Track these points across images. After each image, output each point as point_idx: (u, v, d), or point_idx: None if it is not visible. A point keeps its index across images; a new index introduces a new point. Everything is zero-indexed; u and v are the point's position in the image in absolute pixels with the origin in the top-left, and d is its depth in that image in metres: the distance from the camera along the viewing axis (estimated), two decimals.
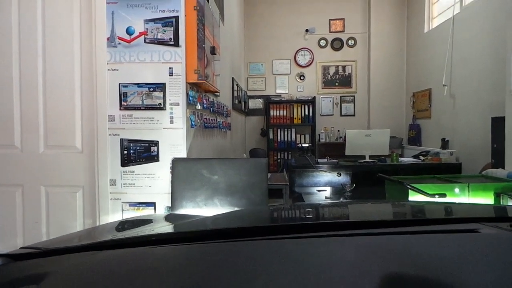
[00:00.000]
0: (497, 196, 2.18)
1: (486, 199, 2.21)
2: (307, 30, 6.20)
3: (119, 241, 0.83)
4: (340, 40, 6.24)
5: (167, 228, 1.01)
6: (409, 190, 2.35)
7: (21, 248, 0.75)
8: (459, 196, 2.32)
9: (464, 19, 4.25)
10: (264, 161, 1.95)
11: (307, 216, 1.06)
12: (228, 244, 0.67)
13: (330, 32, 6.26)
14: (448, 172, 3.49)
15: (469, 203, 1.77)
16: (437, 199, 2.20)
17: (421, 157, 4.37)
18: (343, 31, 6.24)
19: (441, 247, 0.63)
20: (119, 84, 1.92)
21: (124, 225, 1.15)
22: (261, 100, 6.30)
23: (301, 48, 6.27)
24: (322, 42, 6.25)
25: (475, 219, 0.85)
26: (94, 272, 0.60)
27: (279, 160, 6.09)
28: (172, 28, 1.90)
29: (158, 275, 0.55)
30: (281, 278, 0.51)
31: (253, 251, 0.64)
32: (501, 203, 2.15)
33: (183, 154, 1.93)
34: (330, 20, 6.24)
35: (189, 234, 0.80)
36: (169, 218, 1.29)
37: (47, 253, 0.70)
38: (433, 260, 0.56)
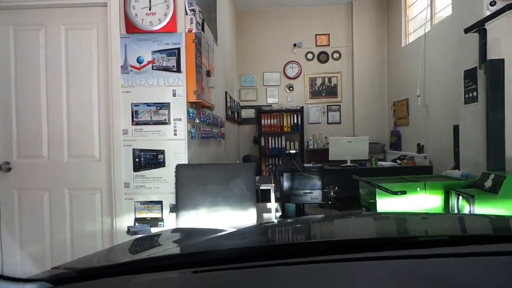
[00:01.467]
0: (447, 192, 2.60)
1: (437, 196, 2.64)
2: (295, 44, 6.66)
3: (150, 261, 0.82)
4: (326, 53, 6.71)
5: (195, 247, 0.98)
6: (377, 189, 2.78)
7: (52, 268, 0.75)
8: (418, 193, 2.75)
9: (434, 36, 4.73)
10: (252, 165, 2.37)
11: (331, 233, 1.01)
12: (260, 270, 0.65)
13: (316, 46, 6.73)
14: (421, 173, 3.93)
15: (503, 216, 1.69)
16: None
17: (398, 161, 4.81)
18: (329, 45, 6.71)
19: (486, 273, 0.57)
20: (131, 103, 2.33)
21: (148, 241, 1.14)
22: (253, 110, 6.73)
23: (289, 61, 6.73)
24: (309, 56, 6.71)
25: None
26: None
27: (270, 166, 6.51)
28: (175, 58, 2.32)
29: None
30: None
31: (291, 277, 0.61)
32: (450, 199, 2.58)
33: (185, 161, 2.34)
34: (316, 35, 6.72)
35: (223, 253, 0.79)
36: (190, 234, 1.30)
37: (82, 276, 0.70)
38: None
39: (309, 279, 0.59)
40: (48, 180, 2.44)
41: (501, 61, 2.44)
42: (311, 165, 4.67)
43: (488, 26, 2.55)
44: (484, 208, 2.29)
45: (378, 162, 4.81)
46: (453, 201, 2.54)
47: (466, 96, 2.98)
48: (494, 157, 2.48)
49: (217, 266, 0.66)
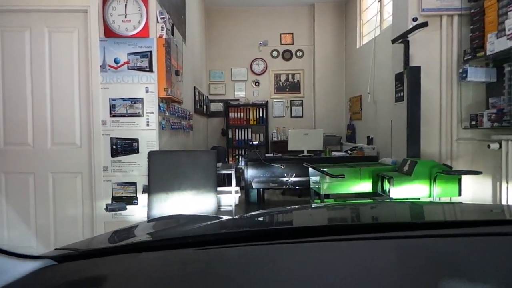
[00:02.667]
0: (377, 175, 3.15)
1: (367, 179, 3.18)
2: (261, 43, 7.10)
3: (151, 243, 0.86)
4: (290, 51, 7.20)
5: (191, 230, 1.01)
6: (320, 173, 3.29)
7: (55, 249, 0.76)
8: (355, 178, 3.28)
9: (382, 40, 5.31)
10: (214, 152, 2.81)
11: (327, 218, 1.07)
12: (250, 247, 0.68)
13: (281, 44, 7.20)
14: (367, 162, 4.50)
15: (508, 205, 1.79)
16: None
17: (349, 152, 5.39)
18: (292, 44, 7.20)
19: (481, 251, 0.60)
20: (109, 98, 2.70)
21: (147, 227, 1.18)
22: (221, 104, 7.13)
23: (256, 58, 7.17)
24: (274, 53, 7.18)
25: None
26: (143, 274, 0.61)
27: (237, 156, 6.96)
28: (147, 59, 2.71)
29: (208, 276, 0.56)
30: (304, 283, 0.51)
31: (274, 255, 0.64)
32: (378, 182, 3.13)
33: (156, 148, 2.74)
34: (281, 34, 7.18)
35: (216, 236, 0.84)
36: (183, 220, 1.39)
37: (86, 256, 0.72)
38: (472, 264, 0.55)
39: (311, 255, 0.62)
40: (33, 165, 2.76)
41: (418, 68, 2.99)
42: (271, 155, 5.16)
43: (410, 38, 3.10)
44: (401, 187, 2.85)
45: (333, 152, 5.37)
46: (380, 182, 3.09)
47: (396, 95, 3.54)
48: (412, 146, 3.04)
49: (216, 246, 0.69)
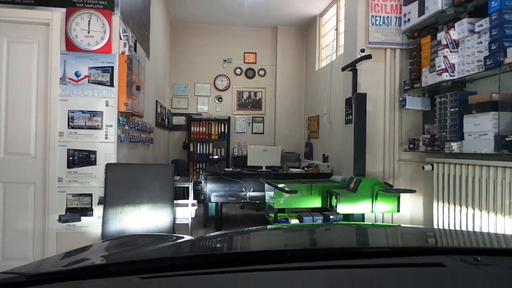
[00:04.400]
0: (326, 192, 3.38)
1: (318, 195, 3.40)
2: (225, 60, 7.31)
3: (99, 268, 0.84)
4: (253, 70, 7.46)
5: (145, 253, 1.00)
6: (274, 189, 3.46)
7: (1, 273, 0.73)
8: (307, 194, 3.48)
9: (337, 65, 5.67)
10: (171, 166, 2.91)
11: (271, 242, 1.08)
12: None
13: (244, 62, 7.44)
14: (321, 178, 4.75)
15: (436, 229, 1.94)
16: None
17: (306, 168, 5.65)
18: (255, 63, 7.47)
19: (408, 283, 0.62)
20: (68, 110, 2.74)
21: (101, 248, 1.17)
22: (183, 118, 7.20)
23: (219, 75, 7.35)
24: (238, 71, 7.40)
25: (443, 250, 0.86)
26: None
27: (198, 170, 7.02)
28: (109, 74, 2.78)
29: None
30: None
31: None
32: (327, 198, 3.35)
33: (114, 161, 2.79)
34: (244, 52, 7.43)
35: (176, 260, 0.83)
36: (139, 240, 1.35)
37: (31, 281, 0.70)
38: None
39: (265, 283, 0.62)
40: None
41: (364, 95, 3.29)
42: (231, 169, 5.29)
43: (358, 67, 3.40)
44: (347, 204, 3.09)
45: (290, 169, 5.60)
46: (328, 198, 3.32)
47: (346, 118, 3.83)
48: (358, 165, 3.30)
49: (164, 273, 0.67)
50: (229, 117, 7.15)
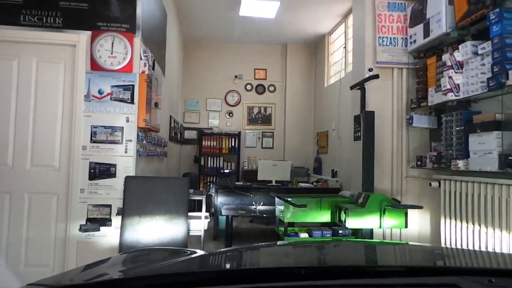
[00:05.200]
0: (335, 206, 3.47)
1: (327, 210, 3.49)
2: (236, 76, 7.51)
3: (123, 281, 0.87)
4: (263, 86, 7.64)
5: (165, 269, 1.02)
6: (285, 203, 3.56)
7: (28, 285, 0.76)
8: (316, 208, 3.57)
9: (346, 82, 5.81)
10: (187, 179, 3.04)
11: (279, 259, 1.10)
12: None
13: (254, 78, 7.63)
14: (330, 193, 4.83)
15: (448, 248, 1.94)
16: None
17: (315, 183, 5.74)
18: (265, 79, 7.66)
19: None
20: (91, 125, 2.91)
21: (121, 261, 1.20)
22: (195, 132, 7.38)
23: (230, 90, 7.54)
24: (248, 87, 7.59)
25: (455, 270, 0.85)
26: None
27: (208, 183, 7.15)
28: (130, 92, 2.96)
29: None
30: None
31: None
32: (336, 212, 3.44)
33: (132, 173, 2.94)
34: (255, 69, 7.63)
35: (181, 277, 0.84)
36: (155, 254, 1.40)
37: None
38: None
39: None
40: (10, 185, 2.88)
41: (372, 113, 3.41)
42: (242, 183, 5.41)
43: (366, 85, 3.53)
44: (355, 219, 3.17)
45: (299, 183, 5.69)
46: (337, 213, 3.41)
47: (355, 135, 3.94)
48: (367, 181, 3.40)
49: None
50: (240, 132, 7.30)
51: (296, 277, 0.76)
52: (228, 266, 1.03)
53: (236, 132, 7.25)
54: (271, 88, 7.64)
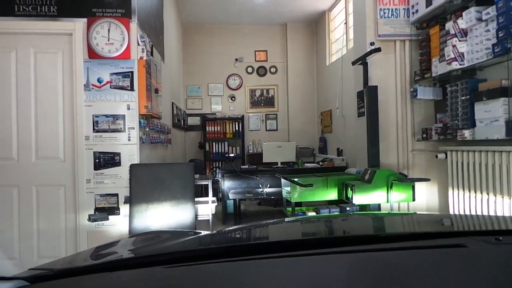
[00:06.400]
0: (342, 184, 3.46)
1: (334, 188, 3.48)
2: (236, 59, 7.42)
3: (124, 261, 0.88)
4: (264, 68, 7.55)
5: (164, 247, 1.04)
6: (291, 183, 3.56)
7: (30, 269, 0.76)
8: (323, 187, 3.57)
9: (348, 59, 5.71)
10: (192, 164, 3.03)
11: (290, 232, 1.12)
12: (226, 264, 0.70)
13: (255, 61, 7.54)
14: (336, 172, 4.82)
15: (455, 214, 1.97)
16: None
17: (320, 163, 5.72)
18: (266, 61, 7.56)
19: (429, 263, 0.64)
20: (93, 115, 2.89)
21: (126, 244, 1.21)
22: (198, 118, 7.36)
23: (232, 74, 7.47)
24: (249, 69, 7.51)
25: (463, 233, 0.87)
26: None
27: (214, 169, 7.17)
28: (129, 79, 2.93)
29: None
30: None
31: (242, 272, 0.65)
32: (343, 190, 3.43)
33: (137, 161, 2.94)
34: (255, 51, 7.53)
35: (196, 252, 0.86)
36: (162, 236, 1.42)
37: (60, 275, 0.73)
38: (421, 276, 0.58)
39: (273, 271, 0.64)
40: (17, 178, 2.90)
41: (375, 87, 3.35)
42: (247, 167, 5.41)
43: (369, 60, 3.47)
44: (362, 195, 3.16)
45: (305, 164, 5.68)
46: (344, 190, 3.40)
47: (358, 111, 3.90)
48: (372, 157, 3.37)
49: (187, 263, 0.71)
50: (243, 116, 7.27)
51: (305, 246, 0.77)
52: (233, 241, 1.04)
53: (239, 116, 7.21)
54: (273, 70, 7.55)
